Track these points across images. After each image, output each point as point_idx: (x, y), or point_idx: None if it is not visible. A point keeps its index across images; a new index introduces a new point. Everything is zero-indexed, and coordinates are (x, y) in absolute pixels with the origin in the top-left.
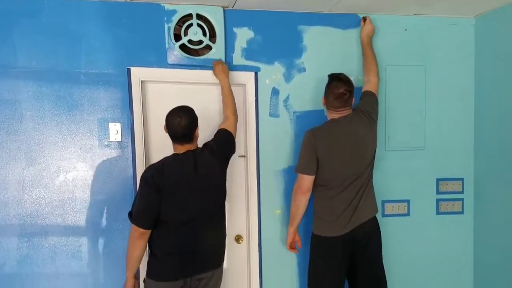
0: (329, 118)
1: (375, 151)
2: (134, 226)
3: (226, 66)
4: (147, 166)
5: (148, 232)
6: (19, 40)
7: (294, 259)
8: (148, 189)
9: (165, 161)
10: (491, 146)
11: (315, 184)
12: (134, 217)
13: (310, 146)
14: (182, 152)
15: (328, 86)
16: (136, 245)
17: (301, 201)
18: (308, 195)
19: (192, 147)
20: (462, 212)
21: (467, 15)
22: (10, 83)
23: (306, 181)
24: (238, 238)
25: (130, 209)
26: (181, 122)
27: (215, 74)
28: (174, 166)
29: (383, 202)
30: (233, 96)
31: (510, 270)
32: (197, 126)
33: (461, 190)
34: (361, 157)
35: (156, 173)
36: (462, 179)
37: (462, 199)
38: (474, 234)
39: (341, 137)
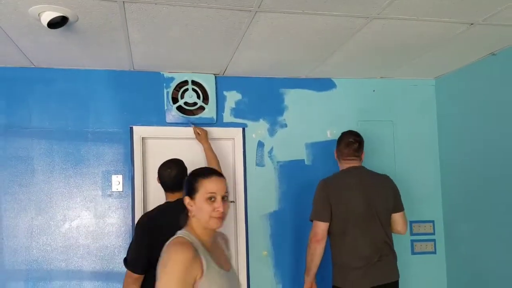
0: (340, 168)
1: (392, 210)
2: (129, 272)
3: (206, 132)
4: (142, 214)
5: (141, 277)
6: (33, 103)
7: None
8: (142, 236)
9: (158, 209)
10: (456, 190)
11: (331, 232)
12: (129, 263)
13: (323, 193)
14: (173, 200)
15: (340, 138)
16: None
17: (316, 249)
18: (323, 244)
19: (182, 195)
20: (434, 252)
21: (427, 77)
22: (25, 141)
23: (321, 228)
24: None
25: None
26: (171, 173)
27: (199, 140)
28: (166, 214)
29: None
30: (216, 155)
31: None
32: (186, 176)
33: (432, 231)
34: (371, 207)
35: (150, 220)
36: (432, 221)
37: (434, 240)
38: (447, 273)
39: (353, 185)
